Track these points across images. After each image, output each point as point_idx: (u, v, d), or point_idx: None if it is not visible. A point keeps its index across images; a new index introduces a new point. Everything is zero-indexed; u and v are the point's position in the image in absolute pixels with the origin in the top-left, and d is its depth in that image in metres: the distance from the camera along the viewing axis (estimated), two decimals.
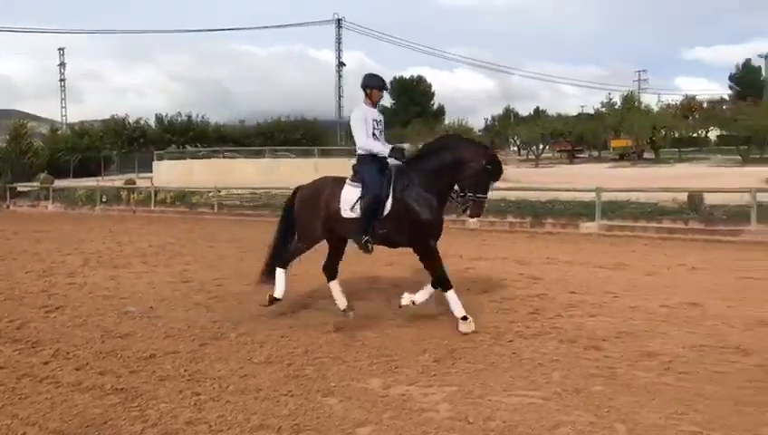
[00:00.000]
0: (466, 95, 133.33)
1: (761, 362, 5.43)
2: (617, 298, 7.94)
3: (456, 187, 6.42)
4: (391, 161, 6.56)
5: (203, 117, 62.55)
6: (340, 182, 6.78)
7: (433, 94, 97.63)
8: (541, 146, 65.88)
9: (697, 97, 69.45)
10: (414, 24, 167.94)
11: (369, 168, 6.55)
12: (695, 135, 66.11)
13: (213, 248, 13.45)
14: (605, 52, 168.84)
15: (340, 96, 60.40)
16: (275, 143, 54.38)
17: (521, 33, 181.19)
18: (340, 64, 60.59)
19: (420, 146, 7.16)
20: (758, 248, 11.92)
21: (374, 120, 6.68)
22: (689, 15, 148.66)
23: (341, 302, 7.10)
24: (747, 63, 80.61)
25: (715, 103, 65.36)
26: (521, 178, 32.16)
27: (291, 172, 37.36)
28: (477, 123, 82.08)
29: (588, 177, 30.74)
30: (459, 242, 13.68)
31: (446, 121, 65.84)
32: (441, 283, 6.50)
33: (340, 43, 60.17)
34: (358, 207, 6.48)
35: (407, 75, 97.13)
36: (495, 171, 6.30)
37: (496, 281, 9.15)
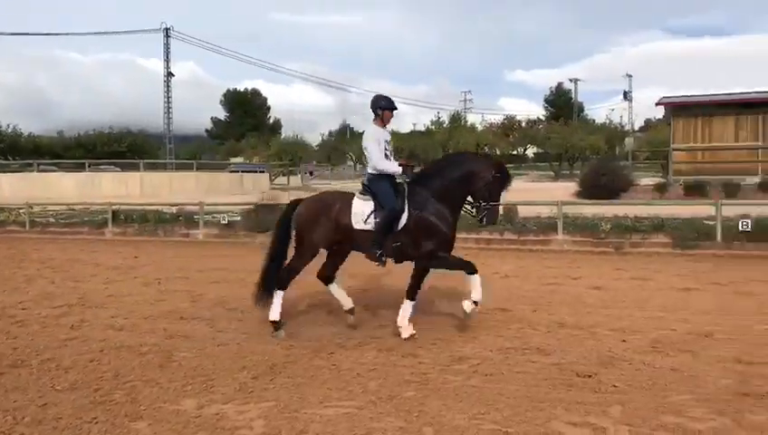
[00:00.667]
0: (305, 109, 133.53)
1: (557, 361, 5.92)
2: (433, 306, 8.29)
3: (469, 198, 6.72)
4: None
5: (14, 127, 57.64)
6: (348, 196, 6.94)
7: (269, 108, 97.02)
8: None
9: (517, 117, 75.09)
10: (250, 37, 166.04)
11: (383, 184, 6.74)
12: (515, 152, 71.11)
13: (21, 269, 12.38)
14: (435, 72, 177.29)
15: (168, 108, 58.12)
16: (98, 156, 51.27)
17: (359, 50, 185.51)
18: (169, 75, 58.33)
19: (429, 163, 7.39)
20: (563, 257, 13.01)
21: (385, 141, 6.87)
22: (512, 40, 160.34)
23: (346, 302, 7.26)
24: (560, 86, 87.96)
25: (533, 123, 70.97)
26: None
27: (114, 186, 35.40)
28: (315, 138, 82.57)
29: None
30: None
31: (283, 135, 65.64)
32: (410, 291, 6.86)
33: (168, 53, 57.92)
34: (371, 219, 6.68)
35: (241, 88, 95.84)
36: (505, 178, 6.68)
37: (322, 294, 9.22)
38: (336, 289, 7.36)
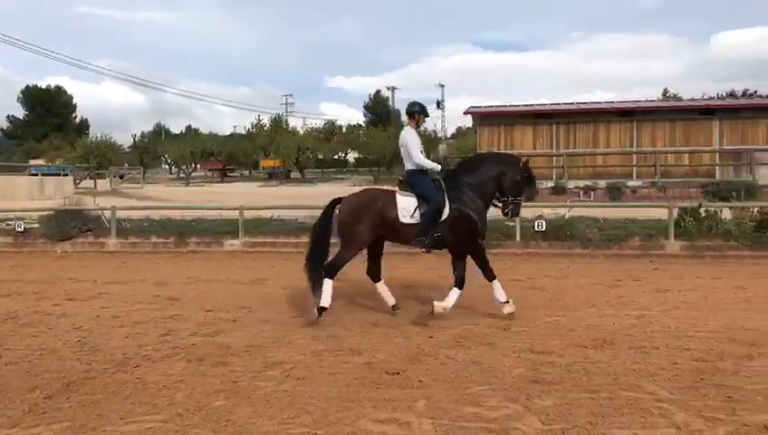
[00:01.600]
0: (116, 108, 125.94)
1: (368, 359, 6.06)
2: (251, 313, 8.17)
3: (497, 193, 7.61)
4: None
5: None
6: (390, 193, 7.59)
7: (75, 106, 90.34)
8: (192, 165, 65.32)
9: (338, 122, 76.12)
10: (53, 31, 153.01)
11: (424, 181, 7.55)
12: (336, 157, 72.09)
13: None
14: (257, 74, 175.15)
15: None
16: None
17: (176, 49, 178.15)
18: None
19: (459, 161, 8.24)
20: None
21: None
22: (332, 47, 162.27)
23: (390, 300, 7.85)
24: (378, 94, 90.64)
25: (353, 128, 72.36)
26: (171, 197, 31.45)
27: None
28: (126, 139, 78.00)
29: (239, 195, 31.38)
30: (95, 265, 12.79)
31: (91, 136, 61.29)
32: (486, 273, 7.60)
33: None
34: (417, 213, 7.38)
35: (43, 85, 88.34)
36: (531, 178, 7.70)
37: (130, 305, 8.73)
38: (382, 287, 7.92)
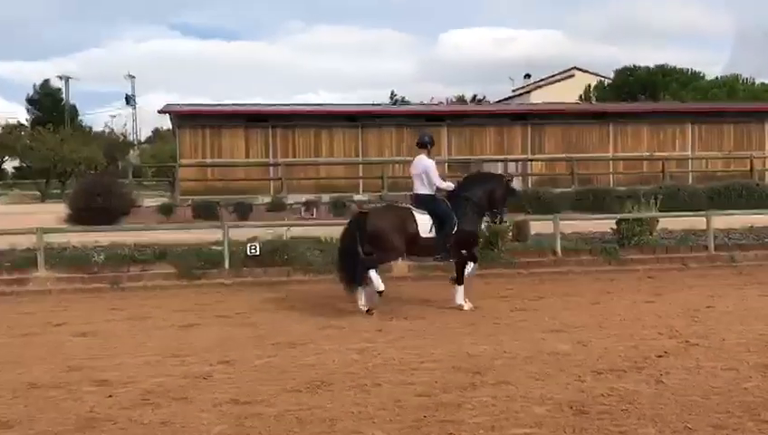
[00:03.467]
0: None
1: (23, 433, 5.58)
2: None
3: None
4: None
5: None
6: (409, 211, 10.57)
7: None
8: None
9: None
10: None
11: (440, 202, 10.64)
12: None
13: None
14: None
15: None
16: None
17: None
18: None
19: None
20: (46, 298, 12.49)
21: None
22: None
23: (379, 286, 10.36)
24: (46, 84, 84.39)
25: (12, 128, 65.75)
26: None
27: None
28: None
29: None
30: None
31: None
32: (459, 278, 10.76)
33: None
34: (432, 230, 10.37)
35: None
36: (512, 190, 11.68)
37: None
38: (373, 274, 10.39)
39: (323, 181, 30.47)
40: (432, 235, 10.41)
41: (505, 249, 14.83)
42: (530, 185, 30.83)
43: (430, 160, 10.88)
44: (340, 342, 8.58)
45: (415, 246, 10.53)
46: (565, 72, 63.23)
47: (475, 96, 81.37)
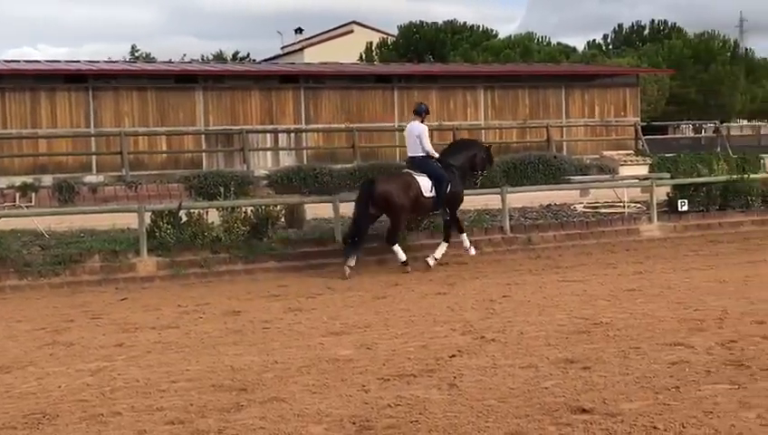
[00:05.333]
0: None
1: None
2: None
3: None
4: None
5: None
6: (410, 175, 14.02)
7: None
8: None
9: None
10: None
11: (434, 165, 14.09)
12: None
13: None
14: None
15: None
16: None
17: None
18: None
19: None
20: None
21: None
22: None
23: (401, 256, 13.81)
24: None
25: None
26: None
27: None
28: None
29: None
30: None
31: None
32: (459, 228, 14.53)
33: None
34: (432, 190, 13.82)
35: None
36: (490, 155, 15.48)
37: None
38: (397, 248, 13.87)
39: (43, 159, 28.94)
40: (432, 194, 13.82)
41: (277, 238, 14.82)
42: (305, 160, 30.98)
43: (424, 126, 14.33)
44: (68, 362, 8.22)
45: (418, 205, 13.92)
46: (343, 26, 64.42)
47: (236, 54, 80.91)
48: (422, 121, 14.40)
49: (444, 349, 8.21)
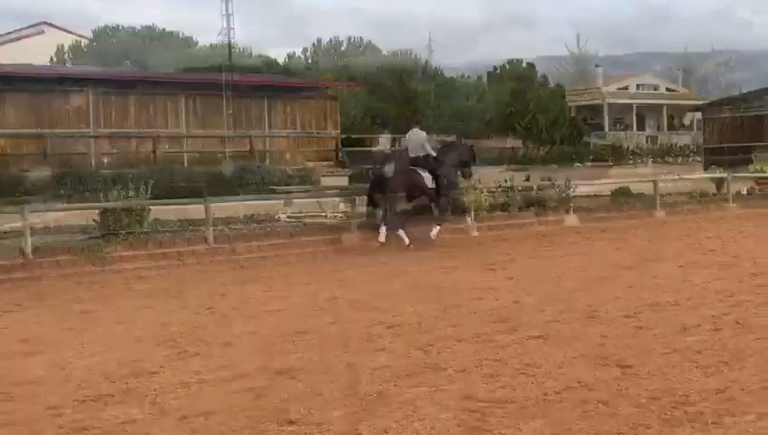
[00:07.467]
0: None
1: None
2: None
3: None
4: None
5: None
6: (415, 171, 18.15)
7: None
8: None
9: None
10: None
11: (431, 161, 18.35)
12: None
13: None
14: None
15: None
16: None
17: None
18: None
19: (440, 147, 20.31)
20: None
21: None
22: None
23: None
24: None
25: None
26: None
27: None
28: None
29: None
30: None
31: None
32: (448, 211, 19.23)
33: None
34: (432, 182, 18.10)
35: None
36: (474, 155, 20.98)
37: None
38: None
39: None
40: (433, 186, 17.99)
41: None
42: None
43: (424, 133, 19.60)
44: None
45: (423, 193, 18.03)
46: (33, 26, 60.98)
47: None
48: (420, 129, 19.43)
49: (145, 365, 7.87)
